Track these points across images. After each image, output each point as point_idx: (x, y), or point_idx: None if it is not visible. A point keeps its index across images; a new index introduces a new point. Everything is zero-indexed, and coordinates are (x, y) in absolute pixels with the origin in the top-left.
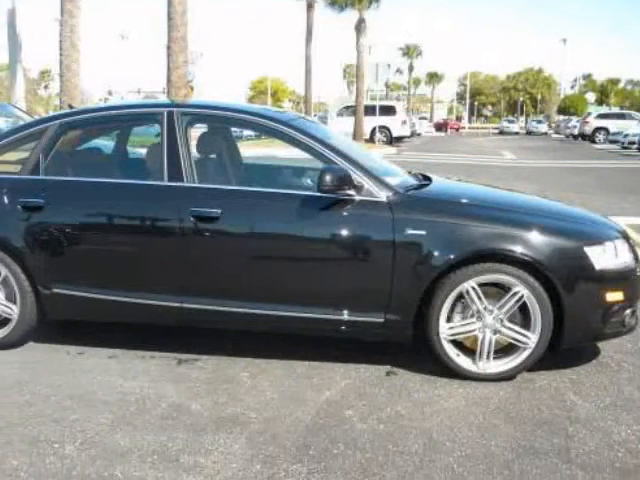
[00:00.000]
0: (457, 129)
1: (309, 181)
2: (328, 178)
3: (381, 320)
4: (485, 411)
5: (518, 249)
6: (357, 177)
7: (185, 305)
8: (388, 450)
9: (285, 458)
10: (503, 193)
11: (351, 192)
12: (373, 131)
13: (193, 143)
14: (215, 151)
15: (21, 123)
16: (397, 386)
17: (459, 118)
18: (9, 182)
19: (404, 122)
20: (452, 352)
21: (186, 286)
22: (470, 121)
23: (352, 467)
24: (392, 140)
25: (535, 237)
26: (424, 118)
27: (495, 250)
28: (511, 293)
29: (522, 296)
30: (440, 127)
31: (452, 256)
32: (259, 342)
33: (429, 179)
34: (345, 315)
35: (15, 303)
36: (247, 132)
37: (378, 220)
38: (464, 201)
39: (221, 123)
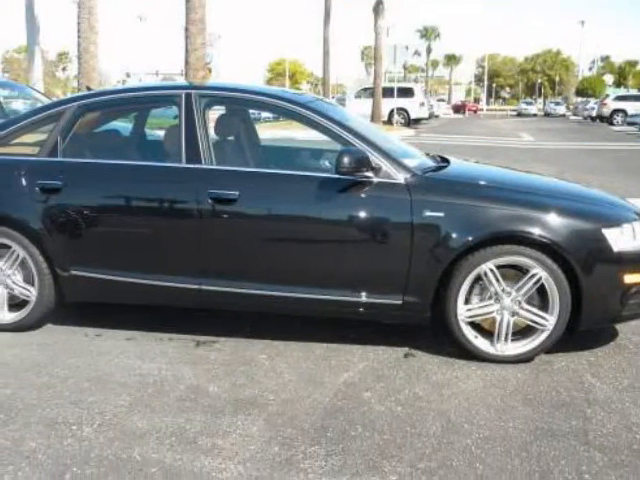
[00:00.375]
0: (475, 111)
1: (327, 163)
2: (346, 160)
3: (399, 302)
4: (503, 393)
5: (536, 231)
6: (375, 159)
7: (203, 287)
8: (406, 432)
9: (303, 440)
10: (521, 175)
11: (369, 174)
12: (391, 113)
13: (211, 125)
14: (233, 133)
15: (39, 105)
16: (415, 368)
17: (477, 100)
18: (27, 164)
19: (422, 104)
20: (470, 334)
21: (204, 268)
22: (488, 103)
23: (370, 449)
24: (410, 122)
25: (553, 219)
26: (442, 100)
27: (513, 232)
28: (529, 275)
29: (540, 278)
30: (458, 109)
31: (470, 238)
32: (277, 324)
33: (447, 161)
34: (363, 297)
35: (33, 285)
36: (265, 114)
37: (396, 202)
38: (482, 183)
39: (239, 105)
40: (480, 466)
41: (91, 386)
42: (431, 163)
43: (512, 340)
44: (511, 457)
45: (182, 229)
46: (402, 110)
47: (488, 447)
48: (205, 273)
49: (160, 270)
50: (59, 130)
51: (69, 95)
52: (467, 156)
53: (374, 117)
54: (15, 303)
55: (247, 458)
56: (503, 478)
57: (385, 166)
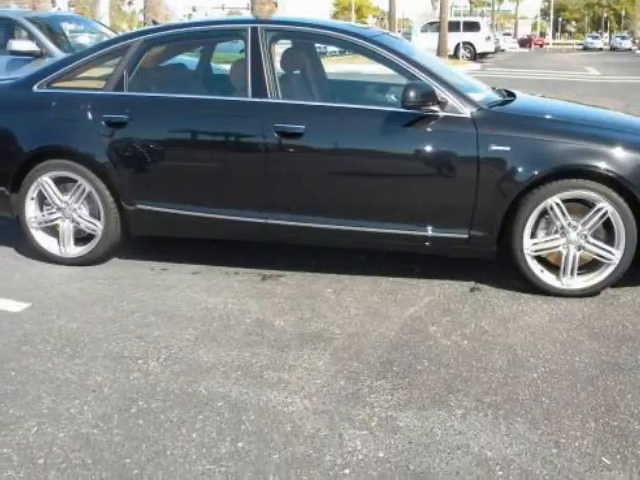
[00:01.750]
0: (541, 45)
1: (393, 97)
2: (412, 94)
3: (465, 236)
4: (569, 327)
5: (602, 165)
6: (441, 93)
7: (269, 221)
8: (472, 366)
9: (369, 374)
10: (587, 109)
11: (435, 108)
12: (457, 47)
13: (277, 59)
14: (299, 67)
15: (105, 39)
16: (481, 302)
17: (543, 34)
18: (93, 98)
19: (488, 38)
20: (536, 268)
21: (270, 202)
22: (554, 37)
23: (436, 383)
24: (476, 56)
25: (619, 153)
26: (508, 34)
27: (579, 166)
28: (595, 209)
29: (606, 212)
30: (524, 43)
31: (536, 172)
32: (343, 258)
33: (513, 95)
34: (429, 231)
35: (99, 219)
36: (331, 48)
37: (462, 136)
38: (548, 117)
39: (305, 39)
40: (546, 400)
41: (157, 320)
42: (497, 97)
43: (578, 274)
44: (577, 391)
45: (248, 163)
46: (468, 44)
47: (554, 381)
48: (271, 207)
49: (226, 204)
50: (125, 64)
51: (135, 29)
52: (533, 90)
53: (440, 51)
54: (81, 237)
55: (313, 392)
56: (569, 412)
57: (451, 100)
